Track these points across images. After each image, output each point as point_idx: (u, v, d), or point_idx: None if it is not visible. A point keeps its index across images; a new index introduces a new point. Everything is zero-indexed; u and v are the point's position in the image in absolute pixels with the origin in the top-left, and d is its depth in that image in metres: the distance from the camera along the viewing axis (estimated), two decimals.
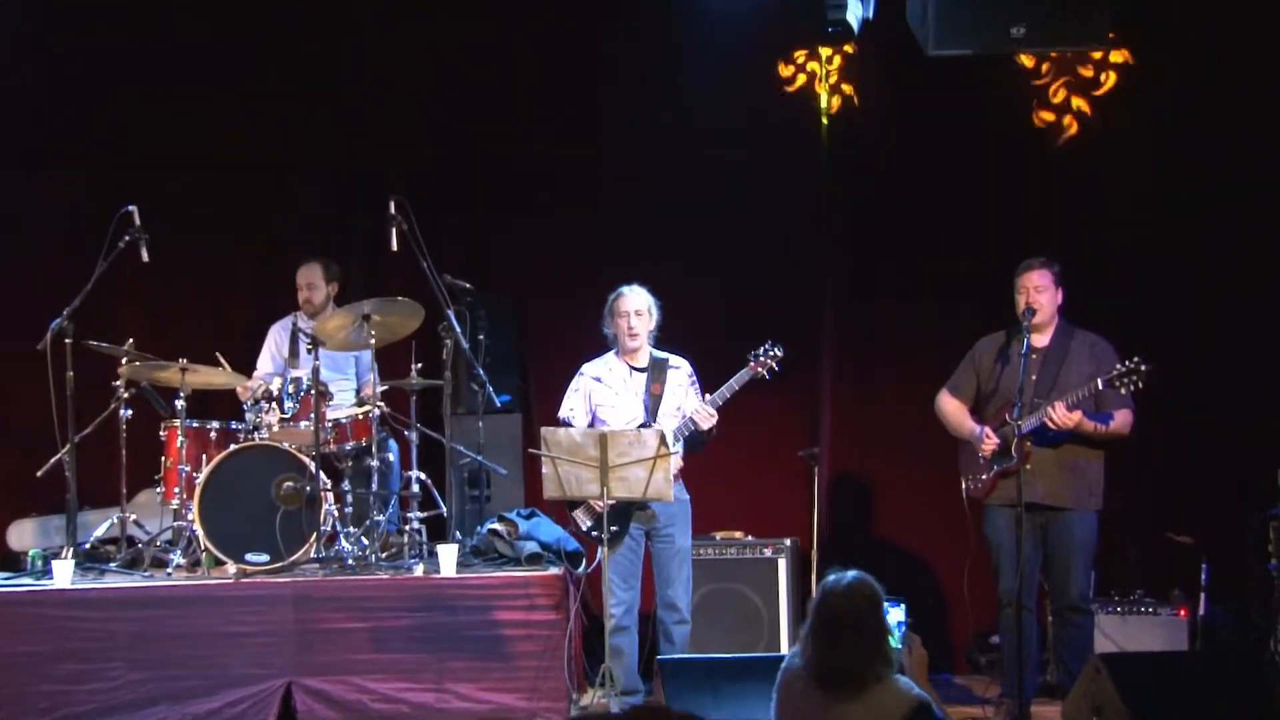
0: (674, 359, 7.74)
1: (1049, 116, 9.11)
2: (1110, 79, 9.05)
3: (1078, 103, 9.13)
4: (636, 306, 7.63)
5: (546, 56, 9.40)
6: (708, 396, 7.55)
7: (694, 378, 7.75)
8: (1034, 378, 7.47)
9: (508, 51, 9.41)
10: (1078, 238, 8.96)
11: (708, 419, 7.46)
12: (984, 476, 7.60)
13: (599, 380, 7.73)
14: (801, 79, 9.35)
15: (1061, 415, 7.29)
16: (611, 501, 7.25)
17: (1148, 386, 7.24)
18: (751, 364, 7.50)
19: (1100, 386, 7.29)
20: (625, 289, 7.67)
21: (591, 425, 7.62)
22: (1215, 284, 8.91)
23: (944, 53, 7.67)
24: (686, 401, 7.66)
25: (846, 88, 9.31)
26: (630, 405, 7.66)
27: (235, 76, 9.48)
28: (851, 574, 4.91)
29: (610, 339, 7.73)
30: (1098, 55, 9.00)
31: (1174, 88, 8.96)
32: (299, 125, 9.55)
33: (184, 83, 9.38)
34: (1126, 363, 7.23)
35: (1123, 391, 7.27)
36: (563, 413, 7.78)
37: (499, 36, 9.39)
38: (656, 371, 7.68)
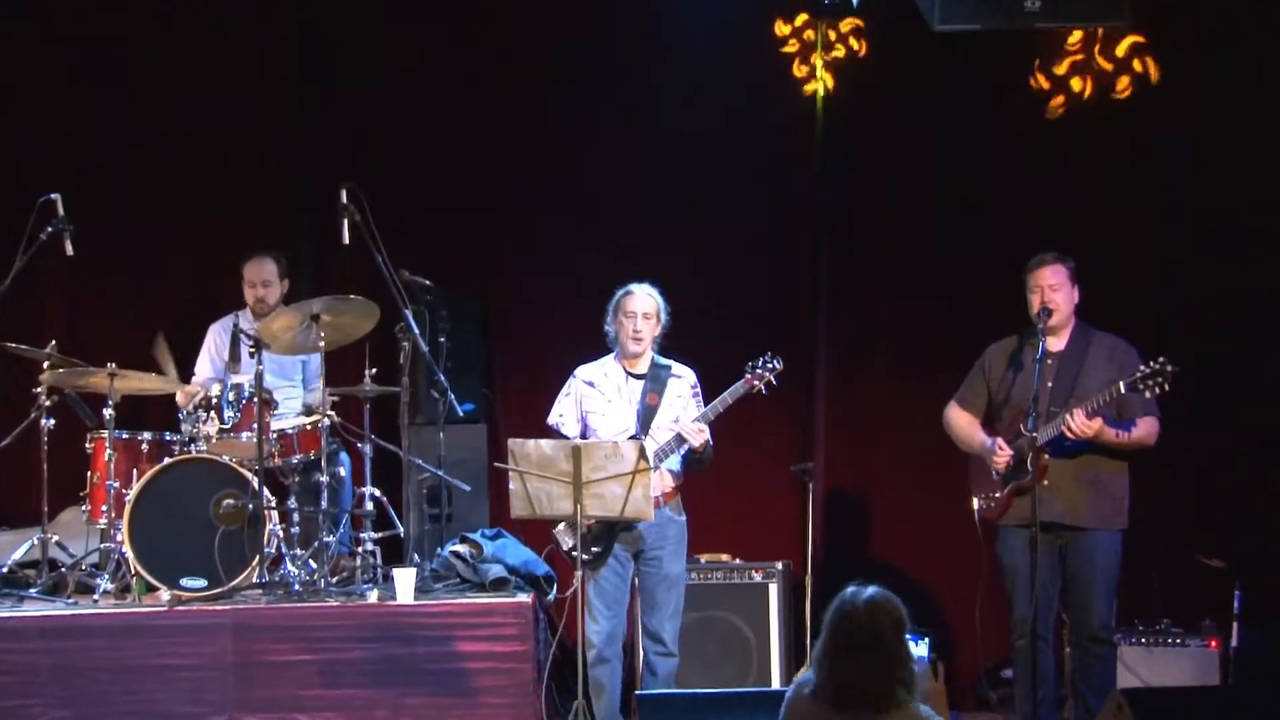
0: (677, 367, 7.61)
1: (1056, 99, 9.03)
2: (1125, 83, 8.99)
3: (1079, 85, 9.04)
4: (645, 309, 7.47)
5: (518, 46, 9.40)
6: (699, 412, 7.45)
7: (697, 390, 7.62)
8: (1050, 384, 7.34)
9: (476, 38, 9.41)
10: (1093, 233, 8.85)
11: (696, 435, 7.33)
12: (997, 494, 7.45)
13: (592, 385, 7.57)
14: (797, 64, 9.25)
15: (1080, 423, 7.13)
16: (590, 520, 7.12)
17: (1173, 391, 7.08)
18: (748, 377, 7.39)
19: (1123, 390, 7.11)
20: (635, 286, 7.51)
21: (583, 435, 7.50)
22: (1250, 280, 8.82)
23: (951, 28, 7.63)
24: (685, 415, 7.51)
25: (843, 70, 9.22)
26: (622, 414, 7.51)
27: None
28: (873, 589, 4.80)
29: (610, 339, 7.57)
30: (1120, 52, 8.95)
31: (1195, 76, 8.94)
32: (241, 106, 9.43)
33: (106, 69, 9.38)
34: (1151, 363, 7.06)
35: (1147, 395, 7.11)
36: (552, 419, 7.63)
37: (470, 24, 9.40)
38: (655, 380, 7.54)
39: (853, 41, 9.13)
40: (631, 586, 7.55)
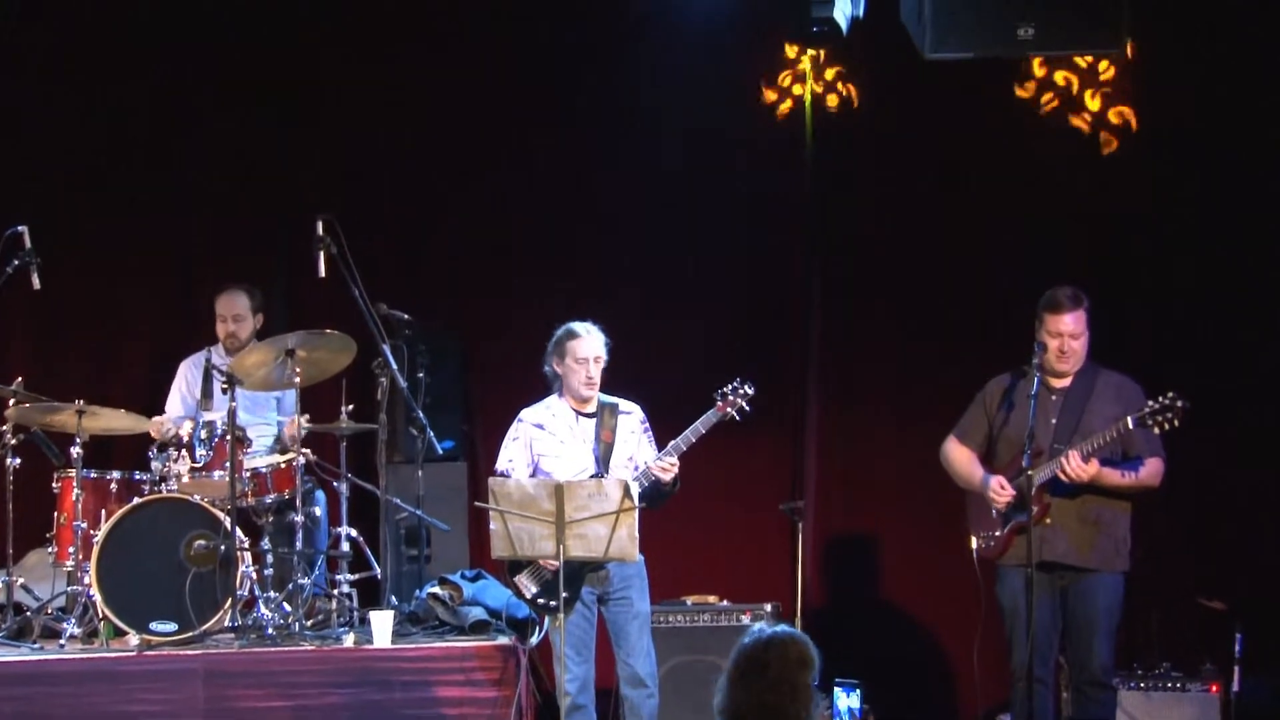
0: (624, 404, 7.58)
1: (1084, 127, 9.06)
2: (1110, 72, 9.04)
3: (1114, 109, 9.08)
4: (596, 353, 7.45)
5: (498, 77, 9.45)
6: (670, 443, 7.38)
7: (646, 424, 7.61)
8: (1054, 421, 7.30)
9: (456, 72, 9.47)
10: (1094, 265, 8.88)
11: (667, 470, 7.31)
12: (997, 533, 7.39)
13: (541, 427, 7.53)
14: (785, 83, 9.32)
15: (1075, 466, 7.10)
16: (552, 567, 7.10)
17: (1172, 429, 7.05)
18: (719, 404, 7.35)
19: (1130, 425, 7.08)
20: (580, 329, 7.47)
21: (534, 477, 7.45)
22: (1255, 312, 8.84)
23: (943, 56, 7.56)
24: (639, 451, 7.52)
25: (833, 98, 9.27)
26: (578, 455, 7.48)
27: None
28: (779, 628, 4.87)
29: (550, 378, 7.56)
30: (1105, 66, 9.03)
31: (1190, 94, 8.93)
32: (214, 135, 9.48)
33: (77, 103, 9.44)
34: (1160, 398, 7.04)
35: (1155, 431, 7.08)
36: (500, 465, 7.56)
37: (448, 57, 9.46)
38: (606, 417, 7.52)
39: (839, 87, 9.20)
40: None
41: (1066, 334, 7.28)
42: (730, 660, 4.88)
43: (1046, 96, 9.03)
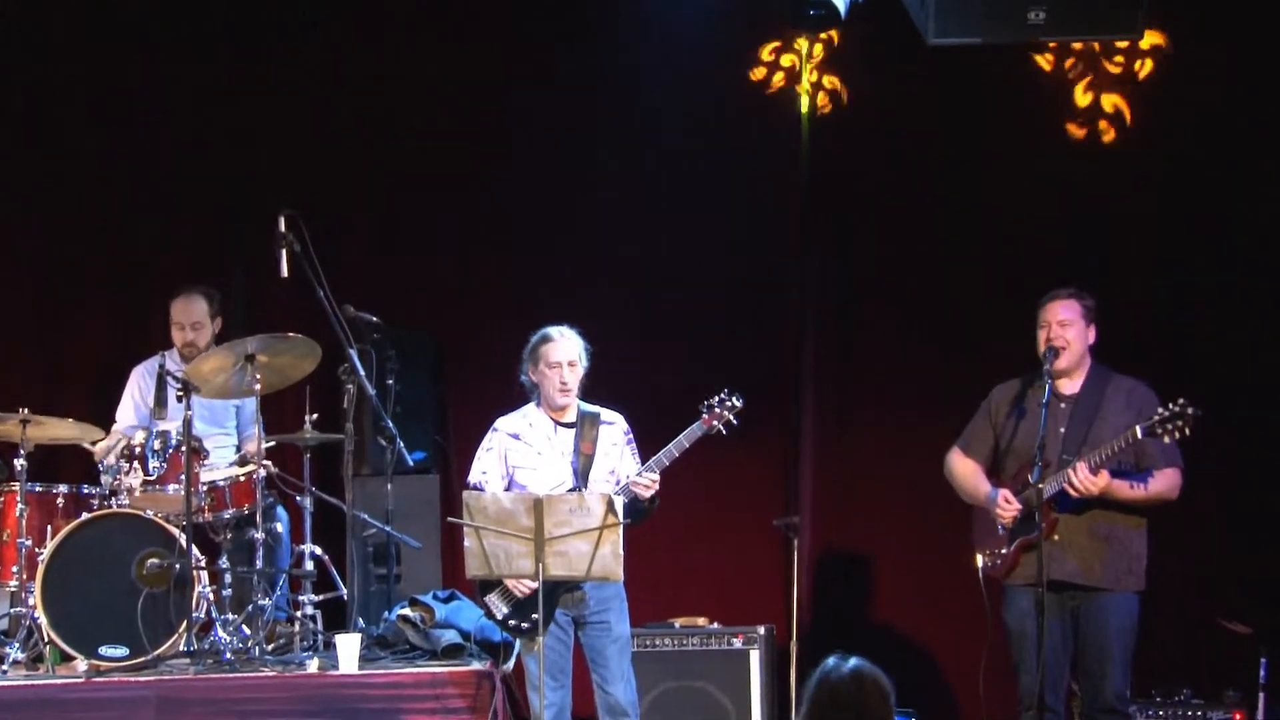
0: (606, 413, 7.54)
1: (1078, 131, 9.09)
2: (1147, 66, 9.06)
3: (1113, 101, 9.08)
4: (569, 356, 7.40)
5: (479, 63, 9.46)
6: (652, 459, 7.35)
7: (630, 436, 7.56)
8: (1062, 431, 7.29)
9: (431, 57, 9.47)
10: (1109, 267, 8.90)
11: (647, 488, 7.27)
12: (1003, 550, 7.37)
13: (517, 437, 7.47)
14: (779, 77, 9.32)
15: (1084, 478, 7.07)
16: (528, 587, 7.12)
17: (1193, 438, 7.03)
18: (705, 416, 7.31)
19: (1139, 434, 7.05)
20: (554, 333, 7.46)
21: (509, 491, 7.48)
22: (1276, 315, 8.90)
23: (947, 42, 7.56)
24: (621, 465, 7.48)
25: (829, 85, 9.27)
26: (556, 467, 7.43)
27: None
28: (856, 660, 4.79)
29: (528, 388, 7.52)
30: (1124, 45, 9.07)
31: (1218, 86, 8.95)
32: (162, 121, 9.48)
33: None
34: (1170, 405, 7.00)
35: (1166, 440, 7.06)
36: (473, 477, 7.51)
37: (424, 44, 9.48)
38: (587, 428, 7.48)
39: (833, 81, 9.19)
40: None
41: (1055, 322, 7.31)
42: (809, 699, 4.76)
43: (1069, 61, 9.06)
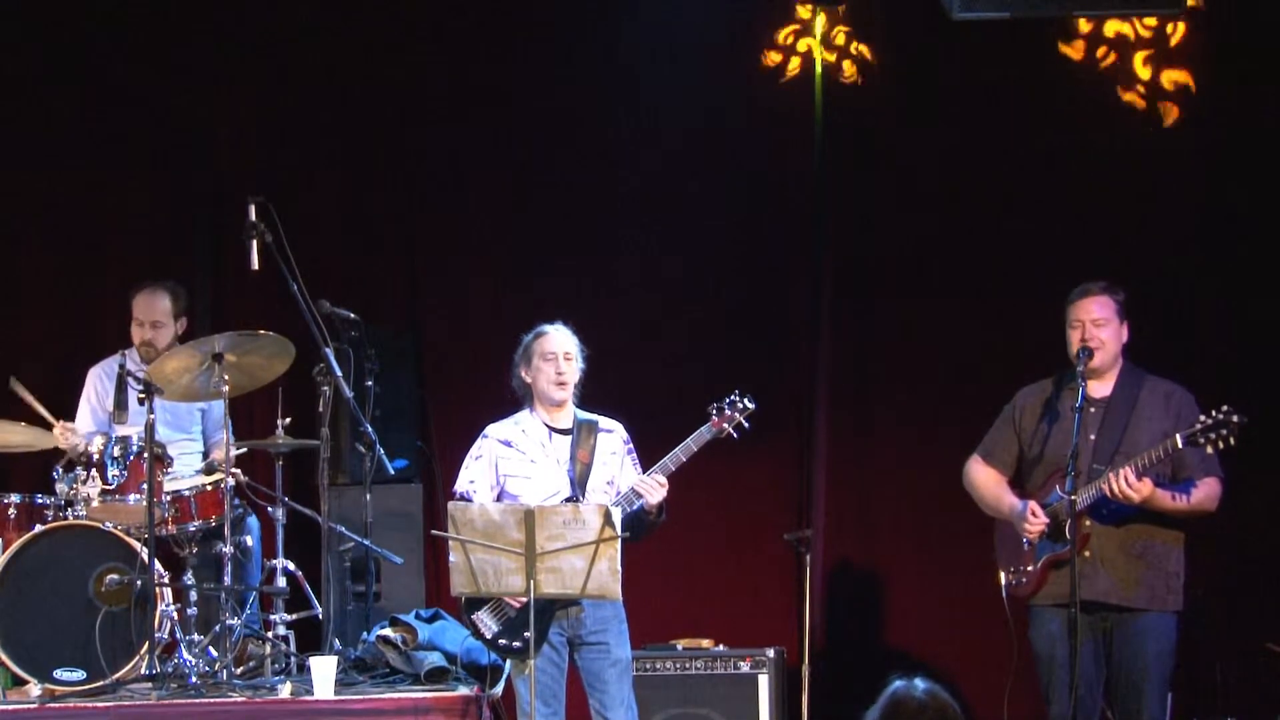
0: (605, 421, 7.58)
1: (1137, 100, 9.16)
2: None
3: (1173, 76, 9.18)
4: (566, 348, 7.46)
5: (467, 44, 9.58)
6: (658, 463, 7.37)
7: (630, 445, 7.60)
8: (1093, 438, 7.28)
9: (418, 48, 9.61)
10: (1152, 260, 8.99)
11: (656, 490, 7.28)
12: (1029, 568, 7.37)
13: (509, 444, 7.51)
14: (795, 63, 9.41)
15: (1129, 484, 7.05)
16: (516, 605, 7.14)
17: (1236, 447, 7.01)
18: (714, 419, 7.35)
19: (1180, 444, 7.04)
20: (548, 327, 7.53)
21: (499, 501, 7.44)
22: None
23: (973, 16, 7.96)
24: (621, 475, 7.52)
25: (848, 66, 9.34)
26: (551, 476, 7.46)
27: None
28: (926, 685, 4.75)
29: (520, 392, 7.55)
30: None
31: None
32: (118, 99, 9.50)
33: None
34: (1214, 413, 6.98)
35: (1209, 450, 7.04)
36: (460, 486, 7.53)
37: (411, 35, 9.59)
38: (584, 435, 7.51)
39: (852, 50, 9.31)
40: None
41: (1088, 320, 7.30)
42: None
43: (1101, 51, 9.17)
